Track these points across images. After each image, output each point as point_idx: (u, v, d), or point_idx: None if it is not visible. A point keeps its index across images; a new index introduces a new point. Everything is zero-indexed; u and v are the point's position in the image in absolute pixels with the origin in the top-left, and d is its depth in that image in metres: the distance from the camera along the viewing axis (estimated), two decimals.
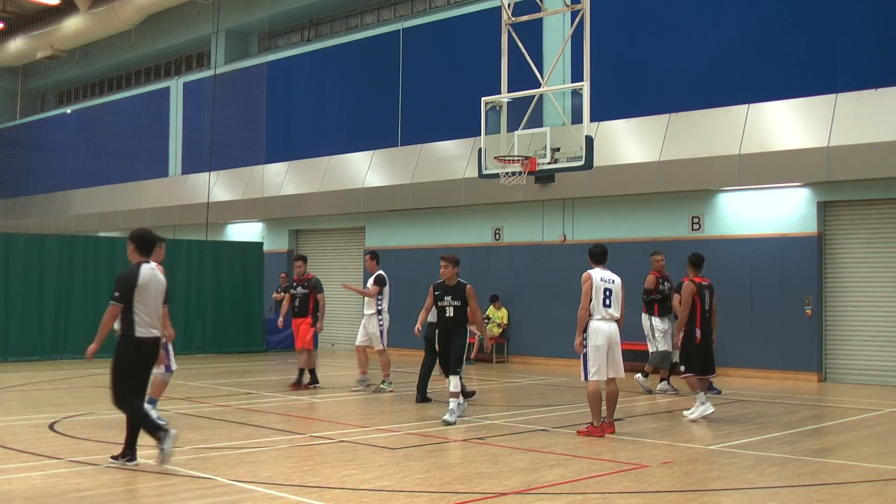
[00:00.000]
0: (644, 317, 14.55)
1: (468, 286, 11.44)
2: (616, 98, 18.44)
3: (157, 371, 10.46)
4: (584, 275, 10.20)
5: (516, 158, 14.51)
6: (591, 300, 10.06)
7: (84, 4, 30.79)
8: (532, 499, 7.08)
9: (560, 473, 7.99)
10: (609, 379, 10.15)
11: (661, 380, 14.39)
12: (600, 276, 10.18)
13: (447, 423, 10.61)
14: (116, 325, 7.96)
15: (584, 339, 10.06)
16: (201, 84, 28.53)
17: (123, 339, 7.88)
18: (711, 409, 11.31)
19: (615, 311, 10.13)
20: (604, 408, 10.22)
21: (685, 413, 11.47)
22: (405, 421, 11.00)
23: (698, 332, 11.41)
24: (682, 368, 11.46)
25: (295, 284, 14.77)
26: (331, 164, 23.85)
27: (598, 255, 10.38)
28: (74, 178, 33.02)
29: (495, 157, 14.81)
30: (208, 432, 9.98)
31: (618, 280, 10.27)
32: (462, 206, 20.94)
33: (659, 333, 14.34)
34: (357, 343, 14.21)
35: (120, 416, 11.16)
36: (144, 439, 9.37)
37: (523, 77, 15.44)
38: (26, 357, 18.67)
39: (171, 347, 10.32)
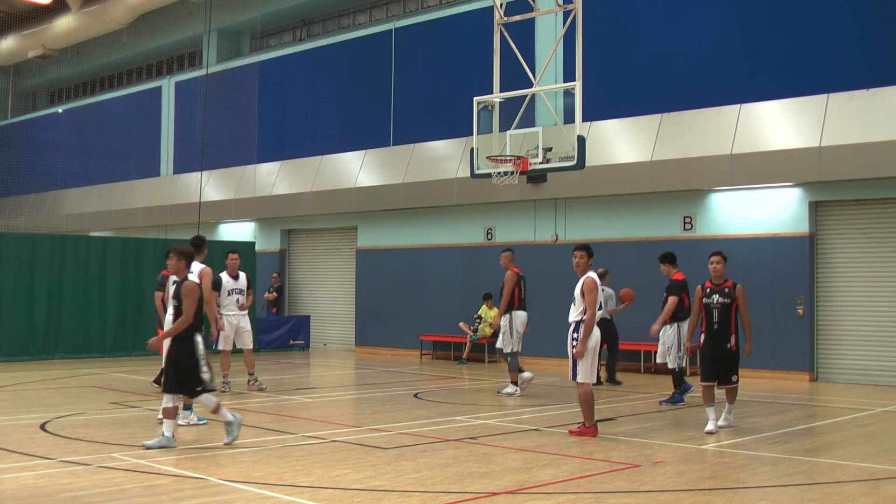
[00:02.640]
0: (511, 315, 13.81)
1: (188, 281, 9.11)
2: (608, 98, 18.46)
3: None
4: (592, 282, 9.90)
5: (508, 158, 14.51)
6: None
7: (76, 4, 30.67)
8: (524, 498, 7.08)
9: (552, 473, 8.00)
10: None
11: (513, 382, 13.87)
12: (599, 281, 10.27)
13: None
14: None
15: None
16: (193, 83, 28.48)
17: None
18: None
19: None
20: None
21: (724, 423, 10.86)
22: (397, 421, 10.99)
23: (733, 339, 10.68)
24: (735, 378, 10.66)
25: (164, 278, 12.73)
26: (323, 163, 23.83)
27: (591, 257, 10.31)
28: (66, 178, 32.94)
29: (487, 157, 14.80)
30: (200, 432, 9.96)
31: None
32: (454, 206, 20.93)
33: (517, 334, 13.84)
34: (228, 348, 13.84)
35: (113, 416, 11.15)
36: (136, 439, 9.35)
37: (515, 77, 15.44)
38: (17, 357, 18.60)
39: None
